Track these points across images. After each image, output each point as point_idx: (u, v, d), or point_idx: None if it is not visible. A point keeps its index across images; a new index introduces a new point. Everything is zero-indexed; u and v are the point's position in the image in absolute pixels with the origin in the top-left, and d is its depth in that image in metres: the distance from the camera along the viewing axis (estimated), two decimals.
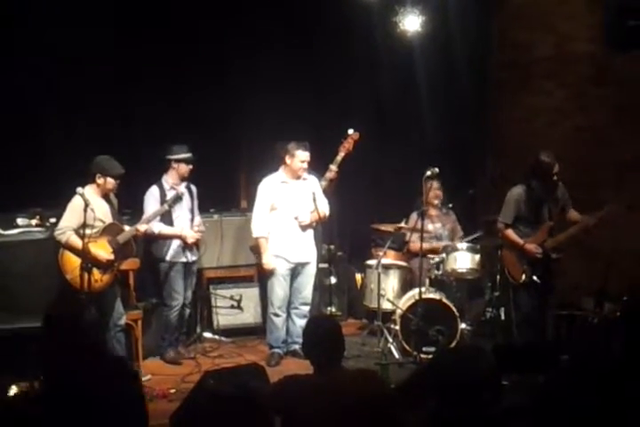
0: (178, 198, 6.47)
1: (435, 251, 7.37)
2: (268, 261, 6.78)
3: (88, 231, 5.74)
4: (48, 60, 6.97)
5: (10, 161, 6.87)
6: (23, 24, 6.89)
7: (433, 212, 7.61)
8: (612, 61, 7.78)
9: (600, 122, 7.89)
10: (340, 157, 7.10)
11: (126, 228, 6.27)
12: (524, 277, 6.49)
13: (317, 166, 7.06)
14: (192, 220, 6.89)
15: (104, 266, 5.98)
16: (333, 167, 7.09)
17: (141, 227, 6.30)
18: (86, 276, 5.69)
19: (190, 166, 6.76)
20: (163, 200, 6.61)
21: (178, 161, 6.72)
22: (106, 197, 6.14)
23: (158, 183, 6.74)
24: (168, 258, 6.75)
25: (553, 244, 6.49)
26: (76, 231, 5.92)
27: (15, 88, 6.87)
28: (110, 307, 6.16)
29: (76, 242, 5.88)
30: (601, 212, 6.35)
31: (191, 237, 6.77)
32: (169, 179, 6.75)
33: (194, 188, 6.94)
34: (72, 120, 7.10)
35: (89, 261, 5.73)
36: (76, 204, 5.91)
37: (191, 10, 7.59)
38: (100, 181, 6.03)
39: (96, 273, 5.85)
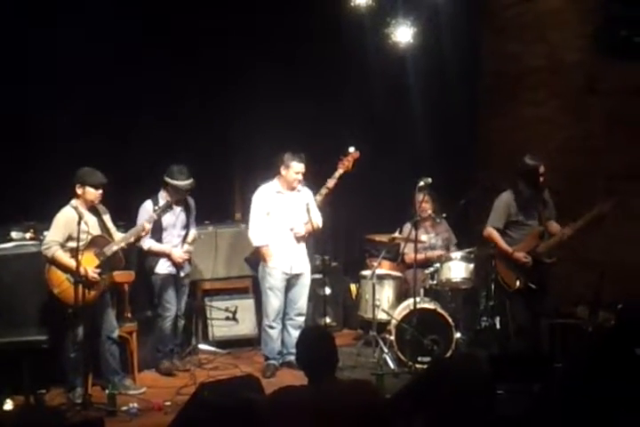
0: (167, 207, 6.41)
1: (429, 261, 7.38)
2: (272, 258, 6.76)
3: (76, 244, 5.75)
4: (47, 78, 6.99)
5: (4, 175, 6.87)
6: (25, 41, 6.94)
7: (427, 222, 7.63)
8: (604, 71, 7.81)
9: (591, 132, 7.92)
10: (338, 174, 7.06)
11: (119, 235, 6.26)
12: (518, 283, 6.49)
13: (311, 177, 7.09)
14: (185, 236, 6.90)
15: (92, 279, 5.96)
16: (330, 184, 7.07)
17: (147, 225, 6.28)
18: (75, 289, 5.69)
19: (186, 193, 6.74)
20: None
21: (174, 187, 6.68)
22: (93, 208, 6.13)
23: (153, 198, 6.72)
24: (157, 270, 6.77)
25: (545, 248, 6.51)
26: (62, 245, 5.92)
27: (12, 102, 6.88)
28: (101, 319, 6.16)
29: (62, 257, 5.88)
30: (591, 212, 6.35)
31: (179, 257, 6.78)
32: (165, 195, 6.72)
33: (191, 201, 6.94)
34: (68, 133, 7.10)
35: (77, 275, 5.72)
36: (60, 218, 5.91)
37: (190, 22, 7.64)
38: (80, 191, 5.99)
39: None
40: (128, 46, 7.38)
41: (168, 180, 6.65)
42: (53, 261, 5.90)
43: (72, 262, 5.83)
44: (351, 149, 7.14)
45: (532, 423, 3.68)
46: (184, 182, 6.65)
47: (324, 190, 7.03)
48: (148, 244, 6.69)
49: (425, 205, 7.46)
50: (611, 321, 6.62)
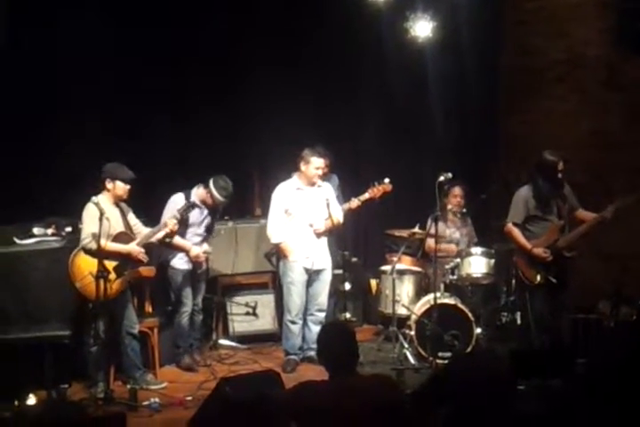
0: (189, 207, 6.40)
1: (449, 252, 7.39)
2: (292, 253, 6.78)
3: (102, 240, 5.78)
4: (63, 74, 7.02)
5: (25, 171, 6.90)
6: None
7: (449, 216, 7.62)
8: (625, 65, 7.77)
9: (612, 126, 7.88)
10: (363, 198, 7.02)
11: (145, 230, 6.29)
12: (538, 277, 6.44)
13: (338, 171, 7.15)
14: (206, 237, 6.91)
15: (114, 273, 5.98)
16: (353, 204, 7.02)
17: (169, 223, 6.27)
18: (100, 284, 5.72)
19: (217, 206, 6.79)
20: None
21: (211, 195, 6.66)
22: (117, 205, 6.16)
23: (186, 193, 6.66)
24: (174, 264, 6.77)
25: (565, 242, 6.46)
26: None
27: (32, 99, 6.91)
28: (121, 315, 6.18)
29: (109, 244, 5.92)
30: (613, 205, 6.31)
31: (196, 256, 6.75)
32: (199, 194, 6.71)
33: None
34: (89, 130, 7.14)
35: (102, 270, 5.75)
36: (91, 212, 5.92)
37: (198, 20, 7.65)
38: (110, 185, 6.04)
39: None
40: (134, 39, 7.39)
41: (212, 187, 6.64)
42: (101, 252, 5.84)
43: (122, 247, 6.00)
44: (386, 180, 7.07)
45: (553, 420, 3.67)
46: (222, 199, 6.66)
47: (351, 204, 7.02)
48: None
49: (458, 199, 7.50)
50: (632, 316, 6.60)
